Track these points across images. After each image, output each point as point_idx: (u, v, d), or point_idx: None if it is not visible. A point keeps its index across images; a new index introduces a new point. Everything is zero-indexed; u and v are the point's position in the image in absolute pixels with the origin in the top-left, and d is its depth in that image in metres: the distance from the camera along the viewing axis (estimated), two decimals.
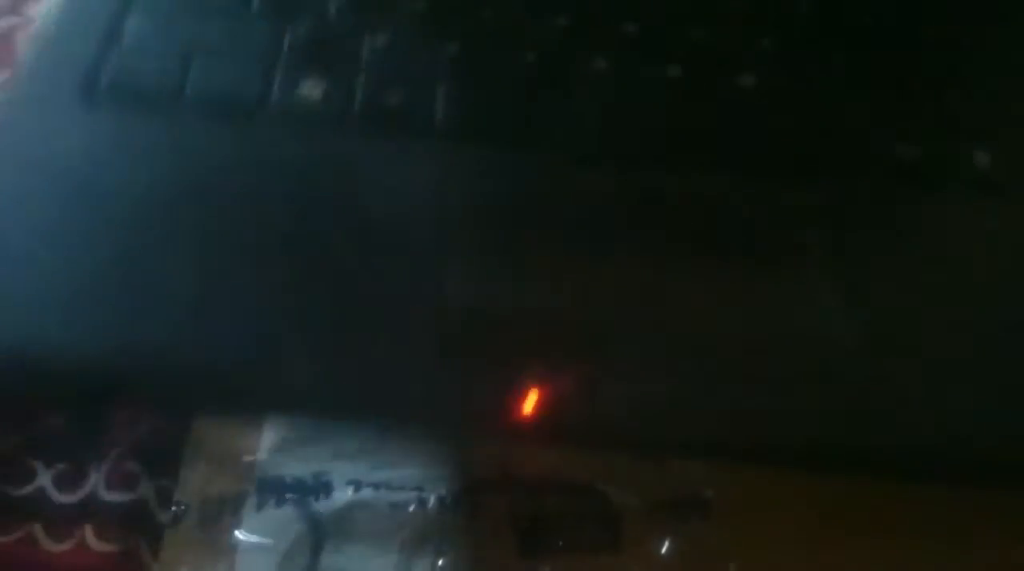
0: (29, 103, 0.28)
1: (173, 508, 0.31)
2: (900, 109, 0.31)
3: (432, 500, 0.31)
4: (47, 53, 0.30)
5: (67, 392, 0.26)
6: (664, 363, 0.25)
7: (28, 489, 0.30)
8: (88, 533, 0.31)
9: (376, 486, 0.32)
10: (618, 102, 0.30)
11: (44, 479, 0.31)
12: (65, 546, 0.30)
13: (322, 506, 0.31)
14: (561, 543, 0.31)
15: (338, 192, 0.27)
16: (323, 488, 0.32)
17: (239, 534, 0.31)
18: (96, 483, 0.31)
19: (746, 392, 0.25)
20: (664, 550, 0.31)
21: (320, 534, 0.31)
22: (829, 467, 0.27)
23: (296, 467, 0.32)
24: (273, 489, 0.32)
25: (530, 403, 0.25)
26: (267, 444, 0.33)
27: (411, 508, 0.31)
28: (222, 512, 0.31)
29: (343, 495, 0.31)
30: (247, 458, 0.33)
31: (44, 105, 0.28)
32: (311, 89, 0.29)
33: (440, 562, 0.30)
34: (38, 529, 0.30)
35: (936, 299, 0.27)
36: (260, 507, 0.31)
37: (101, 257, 0.25)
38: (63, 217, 0.26)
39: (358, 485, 0.31)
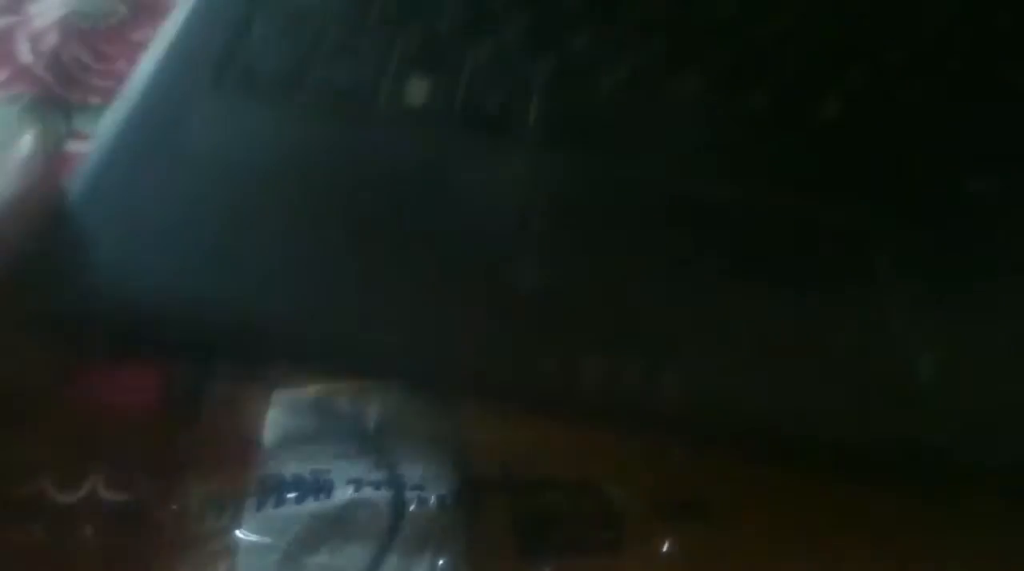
0: (163, 86, 0.32)
1: (173, 508, 0.31)
2: (975, 144, 0.32)
3: (432, 500, 0.31)
4: (181, 43, 0.33)
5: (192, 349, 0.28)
6: (719, 361, 0.27)
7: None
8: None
9: (376, 485, 0.32)
10: (703, 122, 0.32)
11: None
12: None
13: (322, 506, 0.31)
14: (562, 543, 0.31)
15: (431, 184, 0.30)
16: (323, 487, 0.32)
17: (239, 534, 0.31)
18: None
19: (796, 393, 0.26)
20: (665, 550, 0.31)
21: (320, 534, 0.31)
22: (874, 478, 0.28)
23: (296, 466, 0.32)
24: (273, 489, 0.32)
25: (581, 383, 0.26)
26: (267, 443, 0.33)
27: (411, 508, 0.31)
28: (222, 512, 0.32)
29: (343, 495, 0.31)
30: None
31: (178, 89, 0.32)
32: (416, 90, 0.32)
33: (440, 562, 0.30)
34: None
35: (1001, 333, 0.28)
36: (260, 507, 0.31)
37: (221, 230, 0.28)
38: (189, 191, 0.29)
39: (358, 484, 0.31)
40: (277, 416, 0.33)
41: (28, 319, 0.26)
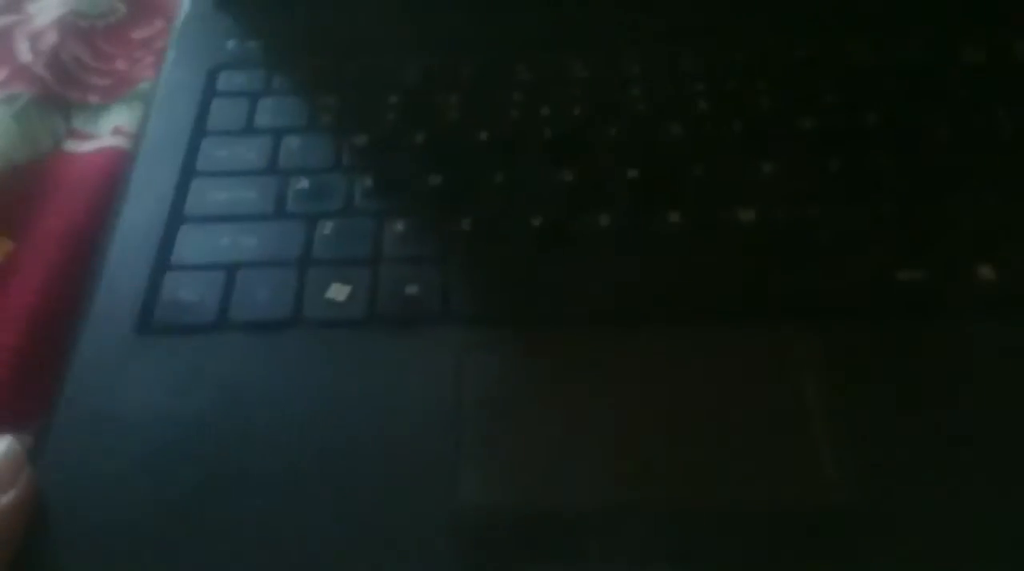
0: (93, 344, 0.30)
1: None
2: (900, 233, 0.31)
3: None
4: (105, 293, 0.32)
5: None
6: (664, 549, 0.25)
7: None
8: None
9: None
10: (623, 258, 0.31)
11: None
12: None
13: None
14: None
15: (365, 393, 0.28)
16: None
17: None
18: None
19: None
20: None
21: None
22: None
23: None
24: None
25: None
26: None
27: None
28: None
29: None
30: None
31: (105, 344, 0.30)
32: (337, 293, 0.31)
33: None
34: None
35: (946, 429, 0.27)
36: None
37: (168, 489, 0.27)
38: (126, 450, 0.28)
39: None
40: None
41: None
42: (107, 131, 0.40)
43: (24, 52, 0.42)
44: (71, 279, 0.33)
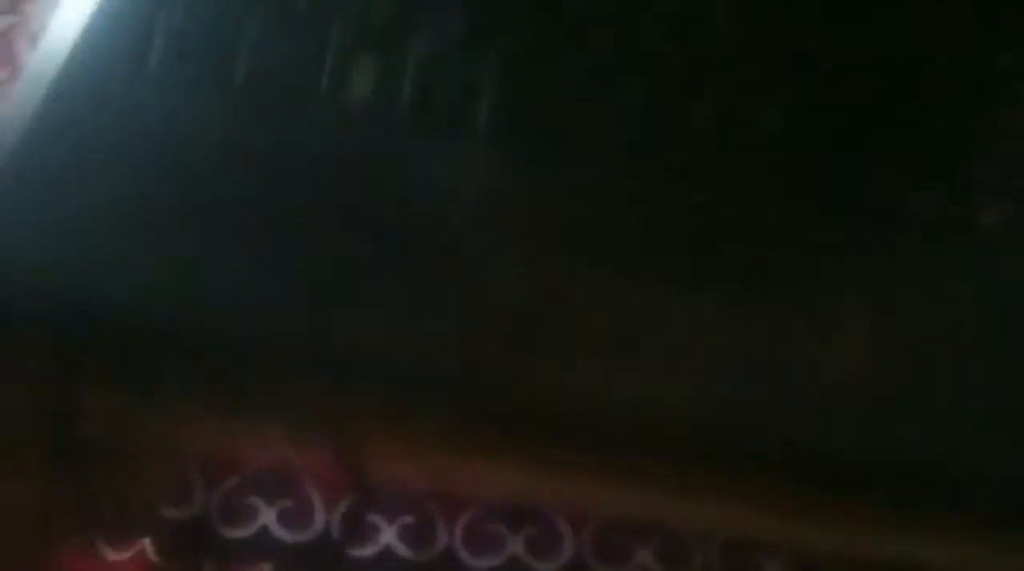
0: (87, 75, 0.28)
1: None
2: (919, 163, 0.32)
3: None
4: (102, 27, 0.29)
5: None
6: (677, 380, 0.26)
7: None
8: (147, 547, 0.32)
9: None
10: (651, 127, 0.30)
11: None
12: (124, 556, 0.32)
13: None
14: None
15: (377, 183, 0.28)
16: None
17: None
18: None
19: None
20: None
21: None
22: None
23: None
24: None
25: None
26: None
27: None
28: None
29: None
30: None
31: (100, 79, 0.28)
32: (361, 82, 0.29)
33: None
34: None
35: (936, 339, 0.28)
36: None
37: (152, 225, 0.27)
38: (115, 182, 0.27)
39: None
40: None
41: None
42: None
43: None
44: None
